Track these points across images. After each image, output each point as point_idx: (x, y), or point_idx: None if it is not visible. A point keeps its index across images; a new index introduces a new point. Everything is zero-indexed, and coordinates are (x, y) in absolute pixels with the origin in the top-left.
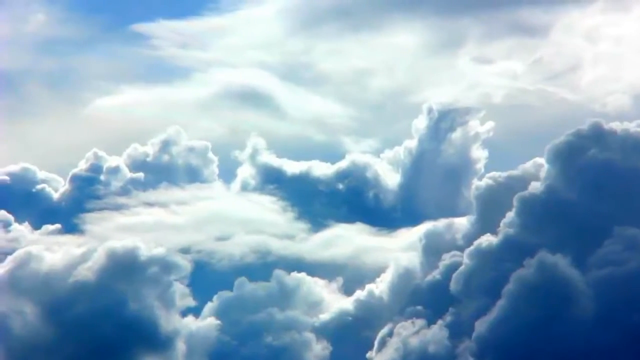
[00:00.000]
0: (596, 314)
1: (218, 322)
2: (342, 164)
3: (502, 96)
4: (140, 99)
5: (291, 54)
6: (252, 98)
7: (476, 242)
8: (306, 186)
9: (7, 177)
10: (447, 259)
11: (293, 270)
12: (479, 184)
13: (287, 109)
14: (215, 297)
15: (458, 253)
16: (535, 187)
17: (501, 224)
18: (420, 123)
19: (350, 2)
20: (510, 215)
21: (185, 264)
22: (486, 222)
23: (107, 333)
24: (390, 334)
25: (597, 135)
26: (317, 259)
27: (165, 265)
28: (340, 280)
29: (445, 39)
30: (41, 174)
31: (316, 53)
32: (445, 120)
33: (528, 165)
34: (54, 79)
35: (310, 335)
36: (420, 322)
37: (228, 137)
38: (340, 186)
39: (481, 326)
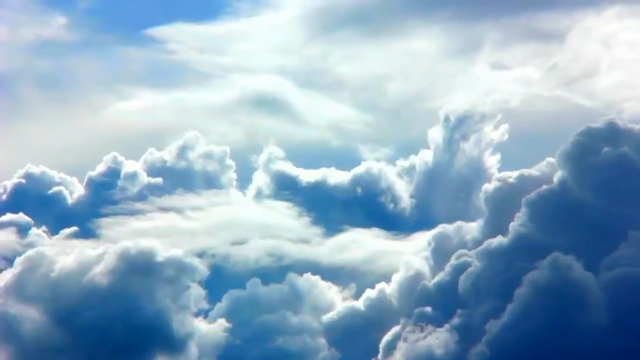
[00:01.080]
0: (610, 317)
1: (227, 324)
2: (357, 171)
3: (517, 102)
4: (157, 103)
5: (308, 60)
6: (269, 103)
7: (486, 243)
8: (321, 193)
9: (23, 180)
10: (455, 259)
11: (308, 274)
12: (487, 186)
13: (304, 114)
14: (225, 297)
15: (467, 252)
16: (547, 187)
17: (511, 225)
18: (436, 132)
19: (368, 7)
20: (521, 215)
21: (201, 266)
22: (496, 224)
23: (121, 335)
24: (397, 337)
25: (612, 134)
26: (332, 263)
27: (182, 267)
28: (353, 287)
29: (462, 44)
30: (58, 177)
31: (333, 58)
32: (460, 128)
33: (540, 165)
34: (71, 82)
35: (321, 341)
36: (427, 324)
37: (245, 143)
38: (356, 193)
39: (493, 329)
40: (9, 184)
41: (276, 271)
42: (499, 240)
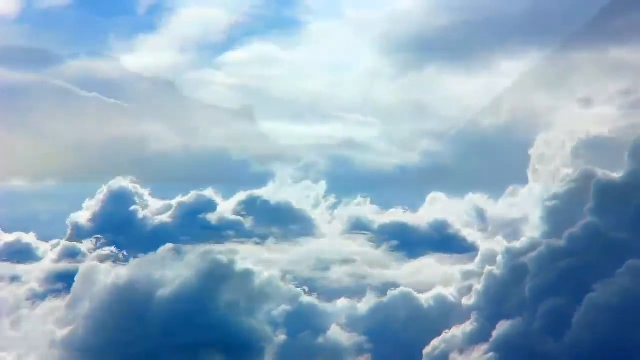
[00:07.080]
0: None
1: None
2: (438, 213)
3: (597, 139)
4: (243, 131)
5: (395, 91)
6: (356, 135)
7: (542, 248)
8: (401, 228)
9: (107, 198)
10: (504, 261)
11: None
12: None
13: (390, 147)
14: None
15: (516, 248)
16: (616, 178)
17: (569, 231)
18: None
19: (456, 40)
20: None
21: (288, 287)
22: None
23: (210, 343)
24: (442, 347)
25: None
26: (409, 284)
27: (273, 286)
28: None
29: (549, 78)
30: (145, 196)
31: (421, 90)
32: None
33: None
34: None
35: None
36: (474, 334)
37: (331, 175)
38: (434, 229)
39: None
40: (91, 205)
41: (354, 291)
42: (557, 243)
